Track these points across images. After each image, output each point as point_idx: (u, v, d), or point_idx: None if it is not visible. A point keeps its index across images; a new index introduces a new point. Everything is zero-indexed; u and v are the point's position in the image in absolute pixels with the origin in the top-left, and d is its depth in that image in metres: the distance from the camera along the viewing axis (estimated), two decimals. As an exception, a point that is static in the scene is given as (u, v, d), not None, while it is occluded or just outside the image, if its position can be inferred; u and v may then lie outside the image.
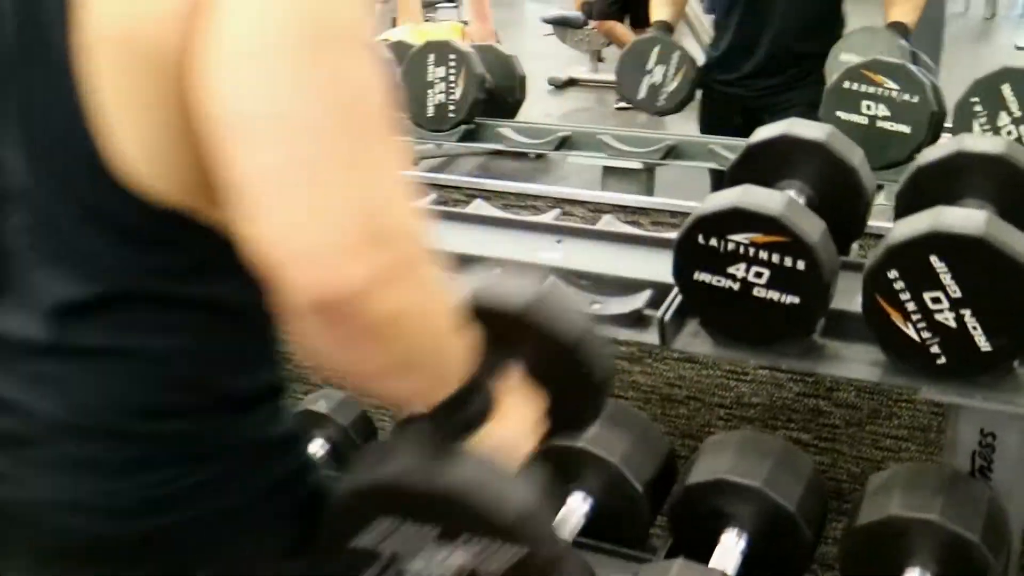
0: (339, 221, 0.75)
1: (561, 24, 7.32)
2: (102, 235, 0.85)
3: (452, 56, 2.57)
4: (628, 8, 6.40)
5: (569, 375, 1.05)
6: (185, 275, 0.87)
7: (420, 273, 0.81)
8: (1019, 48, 7.12)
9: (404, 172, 0.81)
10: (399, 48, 2.81)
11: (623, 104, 6.66)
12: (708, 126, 3.05)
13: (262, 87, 0.76)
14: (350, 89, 0.78)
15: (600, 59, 7.43)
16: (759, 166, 1.64)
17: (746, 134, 2.77)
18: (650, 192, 2.49)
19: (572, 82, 7.34)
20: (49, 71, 0.83)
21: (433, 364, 0.88)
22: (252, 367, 0.94)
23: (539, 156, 5.06)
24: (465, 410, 0.92)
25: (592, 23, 6.75)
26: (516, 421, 0.99)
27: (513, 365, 1.01)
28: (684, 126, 3.88)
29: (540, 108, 6.89)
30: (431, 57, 2.59)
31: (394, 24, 5.69)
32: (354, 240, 0.76)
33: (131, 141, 0.82)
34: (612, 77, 6.87)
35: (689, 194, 2.55)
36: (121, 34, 0.80)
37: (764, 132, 1.67)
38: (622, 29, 6.43)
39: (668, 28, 3.04)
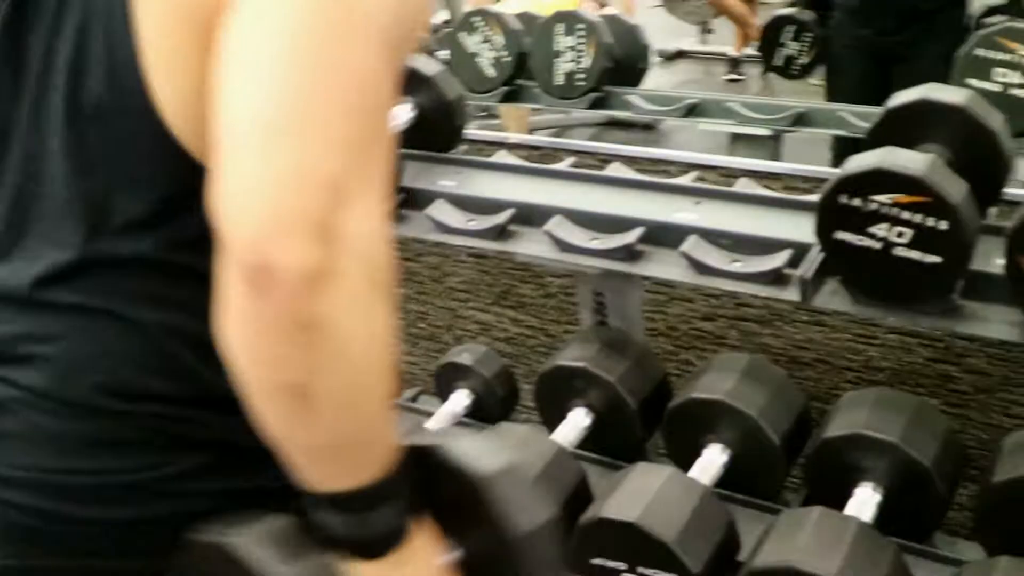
0: (307, 191, 0.70)
1: (670, -5, 7.31)
2: (134, 192, 0.84)
3: (580, 26, 2.63)
4: (738, -22, 6.35)
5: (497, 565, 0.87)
6: (193, 244, 0.82)
7: (368, 295, 0.73)
8: None
9: (388, 195, 0.76)
10: (526, 19, 2.88)
11: (733, 76, 6.66)
12: (840, 83, 3.15)
13: (260, 36, 0.74)
14: (360, 81, 0.74)
15: (709, 31, 7.39)
16: (899, 129, 1.67)
17: (880, 87, 2.90)
18: (778, 159, 2.52)
19: (681, 54, 7.33)
20: (108, 23, 0.83)
21: (351, 416, 0.76)
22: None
23: (647, 127, 5.12)
24: (368, 519, 0.80)
25: (702, -6, 6.72)
26: (421, 568, 0.84)
27: (433, 520, 0.86)
28: (797, 99, 3.93)
29: (651, 80, 6.89)
30: (560, 27, 2.65)
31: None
32: (313, 218, 0.70)
33: (173, 93, 0.81)
34: (721, 49, 6.90)
35: (816, 161, 2.59)
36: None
37: (903, 96, 1.69)
38: (732, 1, 6.39)
39: None
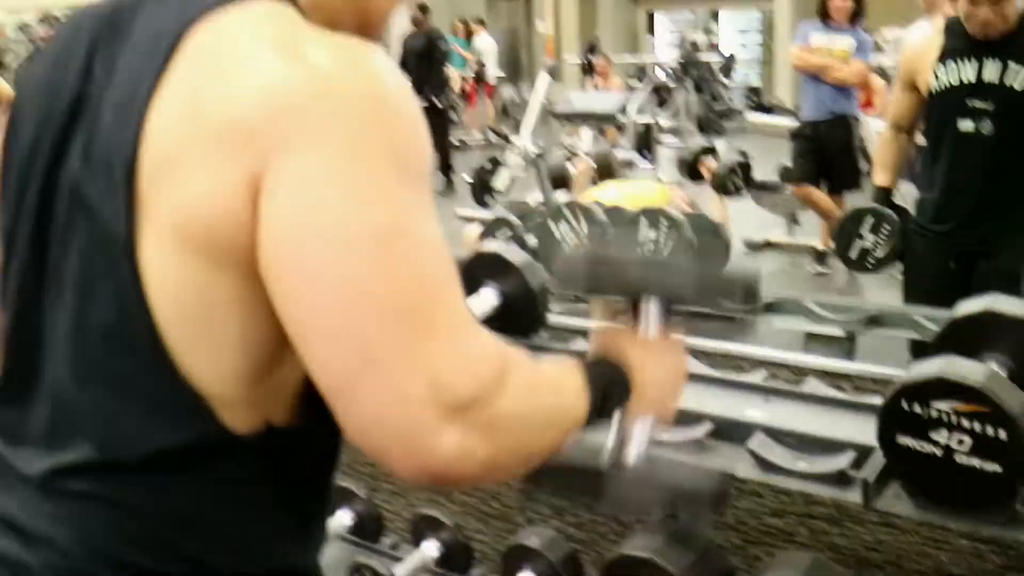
0: (409, 416, 0.82)
1: (759, 188, 7.47)
2: (133, 405, 0.90)
3: (664, 221, 2.76)
4: (825, 173, 6.49)
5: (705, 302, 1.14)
6: (191, 454, 0.91)
7: (498, 414, 0.86)
8: None
9: (465, 325, 0.87)
10: (613, 212, 3.02)
11: (820, 269, 6.73)
12: (917, 277, 3.21)
13: (315, 295, 0.82)
14: (404, 283, 0.83)
15: (796, 222, 7.52)
16: (963, 338, 1.73)
17: (962, 280, 2.98)
18: (851, 357, 2.58)
19: (768, 244, 7.44)
20: (109, 259, 0.88)
21: (554, 436, 0.97)
22: (250, 550, 0.96)
23: (727, 317, 5.19)
24: (606, 404, 1.02)
25: (789, 187, 6.87)
26: (655, 370, 1.08)
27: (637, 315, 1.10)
28: (882, 292, 4.00)
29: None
30: (644, 221, 2.78)
31: (594, 181, 5.96)
32: (428, 428, 0.82)
33: (181, 325, 0.88)
34: (808, 241, 7.00)
35: (890, 360, 2.64)
36: (180, 225, 0.85)
37: (968, 306, 1.76)
38: (819, 194, 6.51)
39: (887, 193, 3.32)
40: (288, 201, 0.82)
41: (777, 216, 7.56)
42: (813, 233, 7.03)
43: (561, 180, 6.07)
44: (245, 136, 0.83)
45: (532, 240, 3.03)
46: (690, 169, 6.78)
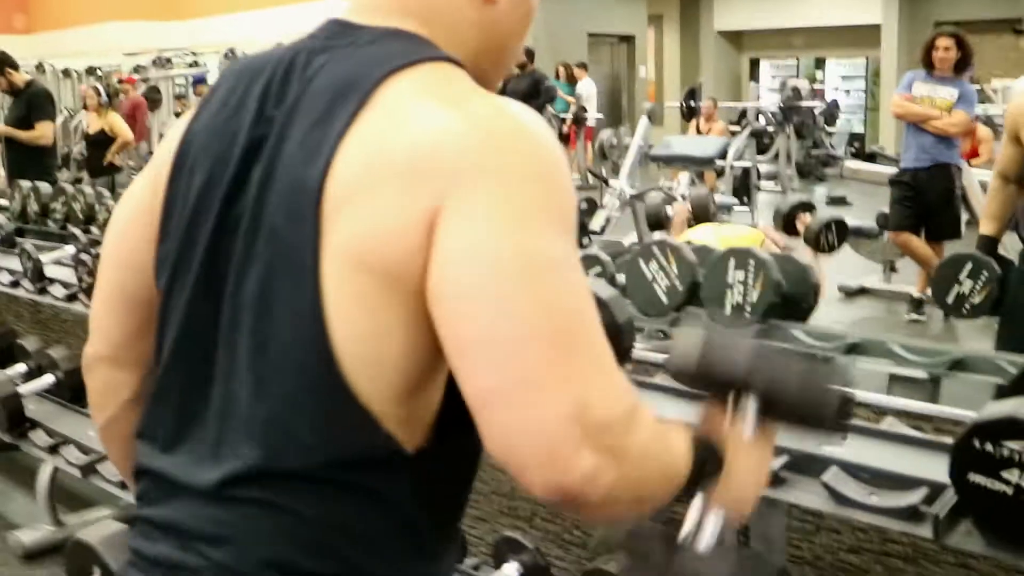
0: (554, 431, 0.89)
1: (856, 234, 7.43)
2: (306, 419, 0.98)
3: (752, 262, 2.81)
4: (924, 221, 6.44)
5: (799, 417, 1.13)
6: (355, 465, 0.99)
7: (628, 446, 0.93)
8: None
9: (607, 361, 0.94)
10: (701, 251, 3.08)
11: (914, 316, 6.67)
12: (1014, 328, 3.20)
13: (479, 315, 0.91)
14: (559, 311, 0.92)
15: (893, 270, 7.45)
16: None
17: None
18: (935, 401, 2.59)
19: (863, 291, 7.39)
20: (292, 282, 0.97)
21: (663, 489, 1.02)
22: (399, 559, 1.04)
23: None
24: (699, 478, 1.06)
25: (887, 234, 6.83)
26: (743, 467, 1.10)
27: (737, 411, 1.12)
28: (977, 343, 3.98)
29: (831, 314, 6.97)
30: (732, 261, 2.84)
31: (690, 224, 6.01)
32: (569, 445, 0.89)
33: (352, 343, 0.96)
34: (904, 288, 6.94)
35: (975, 405, 2.65)
36: (358, 251, 0.95)
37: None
38: (917, 242, 6.46)
39: (992, 242, 3.33)
40: (460, 232, 0.92)
41: (874, 263, 7.51)
42: (910, 281, 6.96)
43: (657, 222, 6.12)
44: (424, 176, 0.94)
45: (621, 277, 3.10)
46: (785, 222, 6.78)
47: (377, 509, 1.01)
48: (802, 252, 5.86)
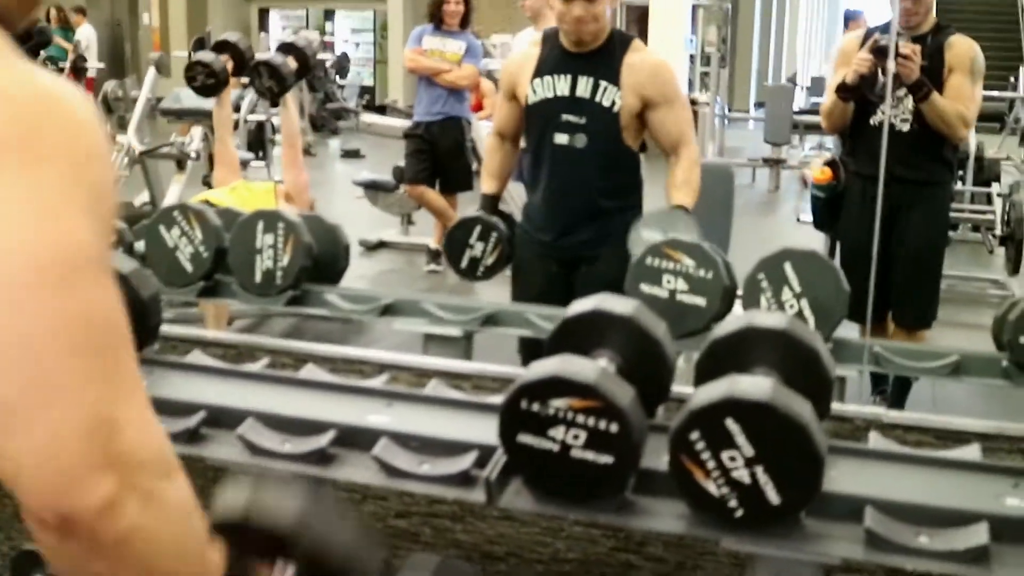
0: (69, 447, 0.78)
1: (372, 188, 7.54)
2: None
3: (280, 225, 2.69)
4: (438, 174, 6.67)
5: None
6: None
7: (159, 494, 0.83)
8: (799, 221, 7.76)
9: (143, 396, 0.85)
10: (226, 215, 2.91)
11: (433, 267, 6.89)
12: (526, 280, 3.33)
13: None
14: (86, 319, 0.81)
15: (411, 222, 7.66)
16: (575, 337, 1.80)
17: (565, 286, 3.12)
18: (469, 356, 2.63)
19: (383, 244, 7.53)
20: None
21: (182, 568, 0.88)
22: None
23: (347, 320, 5.20)
24: None
25: (403, 187, 6.99)
26: None
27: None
28: (492, 291, 4.15)
29: (353, 269, 7.03)
30: (260, 224, 2.70)
31: (207, 184, 5.76)
32: (85, 464, 0.79)
33: None
34: (422, 240, 7.16)
35: (504, 358, 2.73)
36: None
37: (579, 306, 1.83)
38: (432, 194, 6.67)
39: (494, 200, 3.40)
40: None
41: (392, 216, 7.67)
42: (428, 233, 7.19)
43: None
44: None
45: (141, 245, 2.85)
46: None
47: None
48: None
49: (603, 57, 3.20)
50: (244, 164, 8.27)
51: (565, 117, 3.20)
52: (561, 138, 3.21)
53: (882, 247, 3.52)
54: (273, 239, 2.69)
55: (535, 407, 1.60)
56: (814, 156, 11.37)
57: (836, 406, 2.08)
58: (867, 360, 2.32)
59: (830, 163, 4.16)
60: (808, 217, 6.41)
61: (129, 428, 0.81)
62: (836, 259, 4.07)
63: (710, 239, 2.72)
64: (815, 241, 4.52)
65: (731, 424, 1.52)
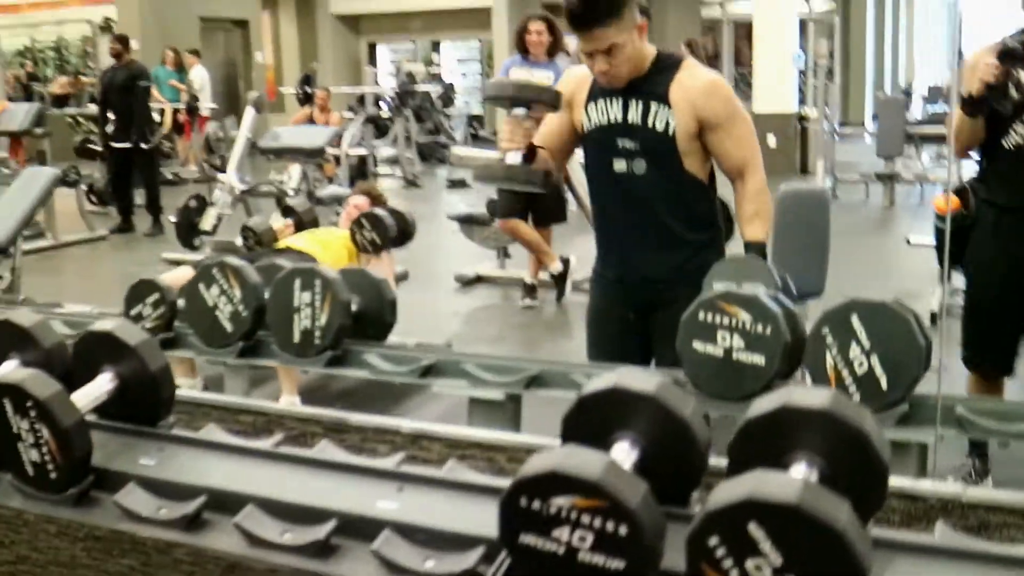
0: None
1: (467, 222, 7.45)
2: None
3: (318, 281, 2.56)
4: (530, 207, 6.54)
5: None
6: None
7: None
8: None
9: None
10: (268, 270, 2.80)
11: (528, 302, 6.75)
12: (598, 330, 3.18)
13: None
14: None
15: (507, 255, 7.53)
16: (593, 418, 1.62)
17: (640, 334, 2.95)
18: (517, 420, 2.46)
19: (479, 279, 7.42)
20: None
21: None
22: None
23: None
24: None
25: (496, 221, 6.87)
26: None
27: None
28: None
29: (448, 305, 6.94)
30: (297, 282, 2.58)
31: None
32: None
33: None
34: (519, 274, 7.01)
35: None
36: None
37: (595, 384, 1.65)
38: (525, 228, 6.54)
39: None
40: None
41: (488, 249, 7.56)
42: (524, 266, 7.05)
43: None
44: None
45: (181, 303, 2.76)
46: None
47: None
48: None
49: (652, 77, 3.05)
50: (339, 201, 8.26)
51: (621, 143, 3.08)
52: (619, 164, 3.09)
53: (1017, 288, 3.22)
54: (311, 297, 2.56)
55: (535, 505, 1.42)
56: (932, 168, 10.91)
57: (907, 482, 1.84)
58: (939, 422, 2.07)
59: (959, 191, 3.79)
60: (919, 238, 6.08)
61: None
62: (948, 293, 3.75)
63: (805, 271, 2.50)
64: (926, 268, 4.19)
65: (755, 529, 1.31)
